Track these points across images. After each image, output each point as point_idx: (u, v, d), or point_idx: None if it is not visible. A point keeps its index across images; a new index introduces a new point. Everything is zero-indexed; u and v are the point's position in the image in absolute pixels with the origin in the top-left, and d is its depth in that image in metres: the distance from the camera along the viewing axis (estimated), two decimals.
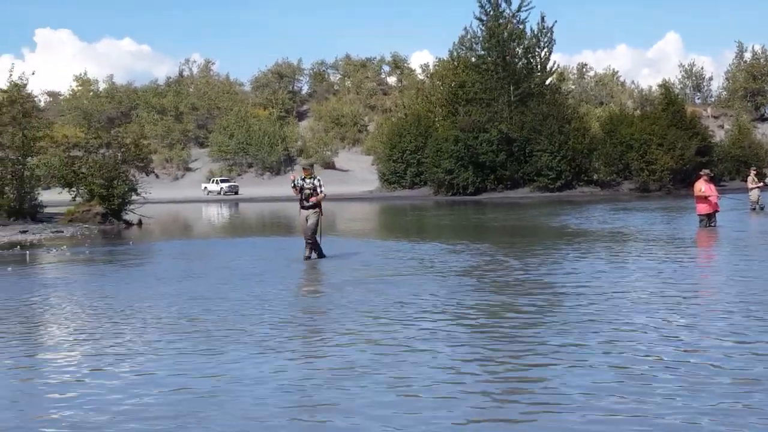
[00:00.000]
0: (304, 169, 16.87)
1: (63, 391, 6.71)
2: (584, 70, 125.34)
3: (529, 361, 7.27)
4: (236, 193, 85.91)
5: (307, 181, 16.56)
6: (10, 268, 16.74)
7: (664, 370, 6.84)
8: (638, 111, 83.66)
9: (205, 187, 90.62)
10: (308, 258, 16.47)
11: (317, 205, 16.58)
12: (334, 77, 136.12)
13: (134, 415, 5.97)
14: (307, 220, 16.49)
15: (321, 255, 16.72)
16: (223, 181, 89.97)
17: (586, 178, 68.76)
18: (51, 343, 8.98)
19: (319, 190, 16.56)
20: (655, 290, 11.23)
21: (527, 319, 9.34)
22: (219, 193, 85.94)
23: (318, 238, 16.73)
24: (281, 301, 11.20)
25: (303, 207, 16.62)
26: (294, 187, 16.60)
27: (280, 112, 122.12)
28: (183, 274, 14.95)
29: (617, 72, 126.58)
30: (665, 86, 78.13)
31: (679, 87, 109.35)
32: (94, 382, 7.01)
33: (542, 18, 72.65)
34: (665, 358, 7.24)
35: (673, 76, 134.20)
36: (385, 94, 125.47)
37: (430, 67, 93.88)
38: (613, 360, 7.24)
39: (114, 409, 6.15)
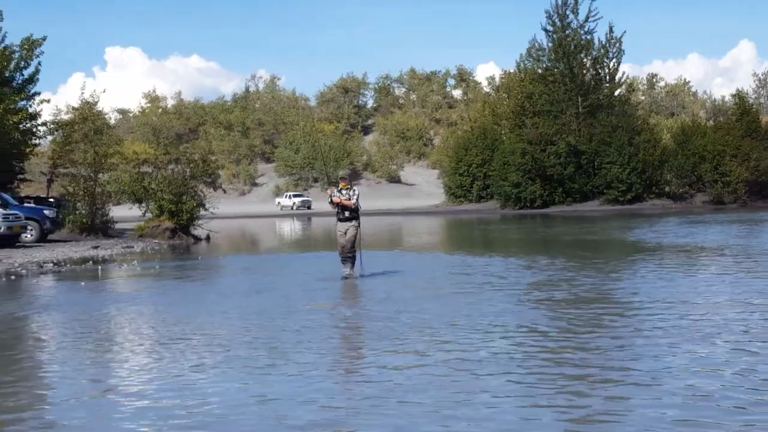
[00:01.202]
0: (341, 179, 16.25)
1: (130, 406, 6.63)
2: (654, 80, 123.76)
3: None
4: (309, 207, 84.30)
5: (344, 192, 15.83)
6: (83, 283, 16.86)
7: None
8: (711, 121, 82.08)
9: (279, 202, 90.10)
10: (347, 277, 15.59)
11: (355, 218, 15.79)
12: (399, 91, 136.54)
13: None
14: (345, 233, 15.72)
15: (350, 272, 15.78)
16: (295, 195, 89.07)
17: (657, 191, 67.54)
18: (121, 356, 8.91)
19: (353, 199, 15.75)
20: None
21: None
22: (291, 208, 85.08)
23: (359, 254, 15.97)
24: (360, 319, 11.01)
25: (340, 219, 15.89)
26: (331, 202, 15.87)
27: (346, 126, 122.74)
28: (250, 288, 14.88)
29: (689, 82, 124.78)
30: (739, 96, 76.49)
31: (753, 96, 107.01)
32: (162, 393, 6.93)
33: (610, 28, 71.81)
34: None
35: (747, 85, 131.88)
36: (450, 107, 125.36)
37: (496, 79, 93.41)
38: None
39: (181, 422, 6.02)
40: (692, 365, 7.53)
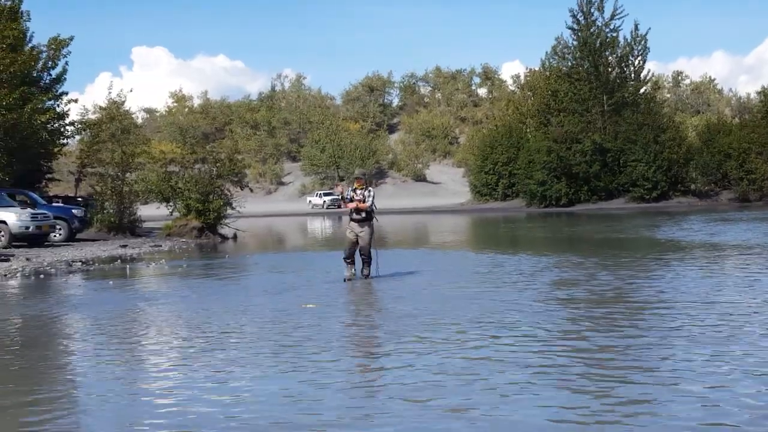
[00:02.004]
0: (357, 179, 15.75)
1: (158, 402, 6.74)
2: (680, 78, 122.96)
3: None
4: (339, 206, 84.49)
5: (358, 192, 15.28)
6: (111, 282, 17.05)
7: None
8: (736, 119, 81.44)
9: (310, 201, 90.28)
10: (350, 279, 15.12)
11: (369, 218, 15.30)
12: (425, 89, 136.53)
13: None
14: (358, 235, 15.18)
15: (368, 272, 15.43)
16: (326, 194, 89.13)
17: (682, 189, 67.23)
18: (149, 353, 9.03)
19: (368, 200, 15.21)
20: None
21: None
22: (322, 206, 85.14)
23: (373, 253, 15.53)
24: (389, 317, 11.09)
25: (353, 219, 15.35)
26: (343, 199, 15.54)
27: (371, 125, 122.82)
28: (277, 287, 14.93)
29: (714, 79, 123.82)
30: (764, 93, 75.75)
31: None
32: (190, 392, 7.01)
33: (636, 26, 71.59)
34: None
35: None
36: (475, 105, 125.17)
37: (521, 77, 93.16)
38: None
39: (211, 420, 6.13)
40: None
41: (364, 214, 15.25)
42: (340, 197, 15.62)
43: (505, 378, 7.15)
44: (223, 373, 7.81)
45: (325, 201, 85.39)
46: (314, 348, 8.85)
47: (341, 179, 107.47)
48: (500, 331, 9.46)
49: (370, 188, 15.69)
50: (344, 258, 15.36)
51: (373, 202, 15.34)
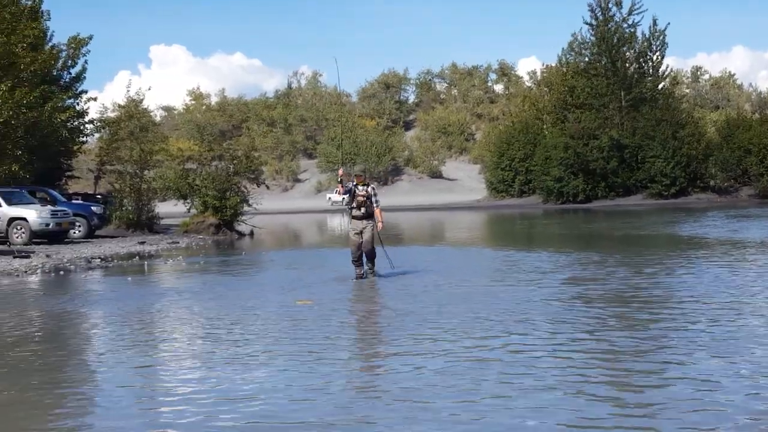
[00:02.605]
0: (357, 175, 15.10)
1: (176, 398, 6.80)
2: (699, 73, 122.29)
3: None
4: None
5: (360, 188, 14.85)
6: (130, 278, 17.19)
7: None
8: (757, 114, 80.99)
9: (329, 198, 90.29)
10: (363, 276, 14.72)
11: (371, 215, 14.84)
12: (441, 86, 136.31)
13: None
14: (361, 233, 14.69)
15: (373, 268, 14.99)
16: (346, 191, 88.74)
17: (701, 185, 66.90)
18: (167, 349, 9.11)
19: (374, 200, 14.84)
20: None
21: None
22: (342, 203, 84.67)
23: (383, 250, 15.19)
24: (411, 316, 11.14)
25: (354, 216, 14.88)
26: (340, 182, 15.15)
27: (387, 122, 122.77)
28: (292, 284, 14.96)
29: (734, 75, 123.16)
30: None
31: None
32: (205, 388, 7.07)
33: (654, 21, 71.43)
34: None
35: None
36: (491, 102, 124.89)
37: (538, 74, 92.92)
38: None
39: (227, 416, 6.22)
40: None
41: (364, 210, 14.82)
42: (339, 180, 15.22)
43: (518, 380, 7.05)
44: (239, 370, 7.85)
45: (344, 198, 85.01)
46: (324, 347, 8.84)
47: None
48: (516, 329, 9.48)
49: (373, 185, 15.29)
50: (352, 261, 14.92)
51: (378, 200, 15.06)
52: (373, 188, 15.14)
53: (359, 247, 14.74)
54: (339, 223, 48.89)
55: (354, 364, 8.00)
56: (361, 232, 14.73)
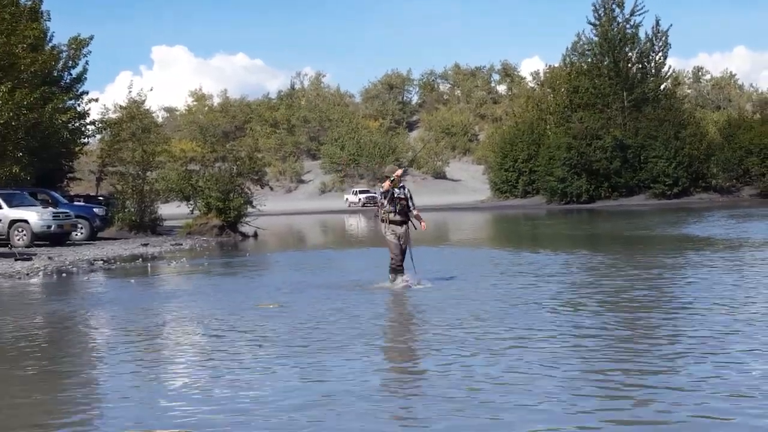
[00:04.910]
0: (393, 177, 13.76)
1: (178, 401, 6.69)
2: (700, 73, 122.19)
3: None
4: (375, 203, 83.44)
5: (396, 190, 13.80)
6: (133, 280, 17.09)
7: None
8: (758, 115, 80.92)
9: (347, 198, 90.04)
10: (409, 284, 13.54)
11: (408, 220, 13.93)
12: (444, 87, 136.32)
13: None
14: (400, 238, 13.73)
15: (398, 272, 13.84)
16: (362, 192, 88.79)
17: (703, 185, 66.98)
18: (169, 351, 9.02)
19: (411, 202, 13.95)
20: None
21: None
22: (358, 204, 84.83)
23: (410, 251, 14.05)
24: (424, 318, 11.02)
25: (393, 221, 13.74)
26: (392, 181, 13.67)
27: (390, 122, 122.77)
28: (296, 286, 14.84)
29: (735, 75, 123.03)
30: None
31: None
32: (210, 391, 6.97)
33: (657, 22, 71.41)
34: None
35: None
36: (495, 102, 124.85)
37: (541, 74, 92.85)
38: None
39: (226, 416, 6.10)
40: None
41: (403, 215, 13.84)
42: (391, 180, 13.66)
43: (535, 385, 6.97)
44: (242, 373, 7.77)
45: (360, 199, 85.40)
46: (332, 349, 8.75)
47: (361, 177, 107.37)
48: (531, 333, 9.38)
49: (407, 187, 14.20)
50: (394, 267, 13.78)
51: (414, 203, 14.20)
52: (409, 190, 14.21)
53: (402, 252, 13.79)
54: (356, 223, 48.80)
55: (362, 366, 7.87)
56: (400, 237, 13.76)
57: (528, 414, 6.01)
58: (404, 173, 14.43)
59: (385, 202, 13.78)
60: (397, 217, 13.74)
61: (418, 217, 14.00)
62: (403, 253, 13.78)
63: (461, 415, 6.03)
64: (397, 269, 13.75)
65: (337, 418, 6.10)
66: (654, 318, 9.83)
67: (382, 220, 13.86)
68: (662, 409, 6.00)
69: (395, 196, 13.73)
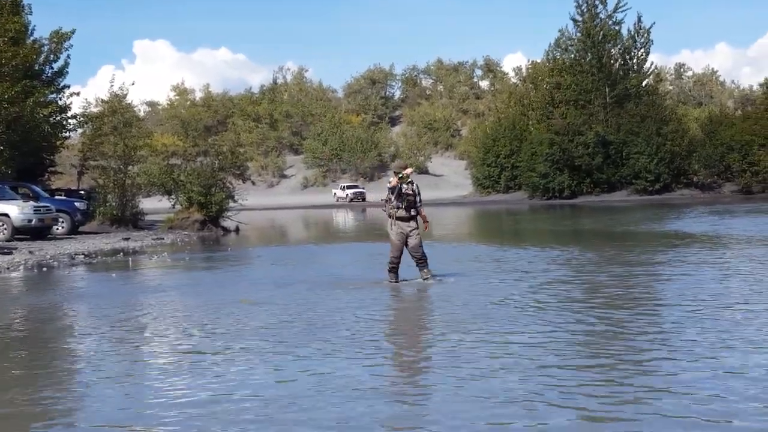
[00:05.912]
0: (402, 173, 13.51)
1: (160, 394, 6.70)
2: (682, 70, 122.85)
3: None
4: (363, 199, 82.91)
5: (405, 186, 13.45)
6: (114, 274, 17.05)
7: None
8: (739, 111, 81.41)
9: (334, 193, 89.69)
10: (428, 278, 13.37)
11: (415, 217, 13.59)
12: (426, 82, 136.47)
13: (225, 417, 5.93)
14: (407, 237, 13.39)
15: (428, 273, 13.52)
16: (349, 187, 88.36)
17: (685, 181, 67.31)
18: (151, 346, 9.00)
19: (418, 198, 13.59)
20: None
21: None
22: (346, 199, 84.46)
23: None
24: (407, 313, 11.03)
25: (400, 218, 13.41)
26: (394, 191, 13.40)
27: (373, 117, 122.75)
28: (278, 280, 14.83)
29: (716, 71, 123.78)
30: (767, 85, 75.70)
31: None
32: (193, 384, 6.98)
33: (639, 18, 71.69)
34: None
35: None
36: (477, 98, 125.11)
37: (523, 70, 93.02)
38: None
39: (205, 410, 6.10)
40: None
41: (413, 211, 13.50)
42: (399, 177, 13.39)
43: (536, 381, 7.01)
44: (224, 369, 7.78)
45: (348, 194, 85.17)
46: (323, 346, 8.75)
47: (343, 172, 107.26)
48: (529, 328, 9.41)
49: (411, 180, 13.72)
50: (392, 266, 13.53)
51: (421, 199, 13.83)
52: (418, 186, 13.80)
53: (401, 252, 13.47)
54: (344, 217, 48.76)
55: (354, 366, 7.89)
56: (406, 236, 13.40)
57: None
58: (408, 173, 13.62)
59: (392, 198, 13.46)
60: (404, 213, 13.39)
61: (423, 218, 13.81)
62: (402, 252, 13.44)
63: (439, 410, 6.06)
64: (393, 268, 13.51)
65: (321, 412, 6.12)
66: (641, 315, 9.90)
67: (389, 216, 13.55)
68: (646, 410, 6.05)
69: (403, 191, 13.40)
